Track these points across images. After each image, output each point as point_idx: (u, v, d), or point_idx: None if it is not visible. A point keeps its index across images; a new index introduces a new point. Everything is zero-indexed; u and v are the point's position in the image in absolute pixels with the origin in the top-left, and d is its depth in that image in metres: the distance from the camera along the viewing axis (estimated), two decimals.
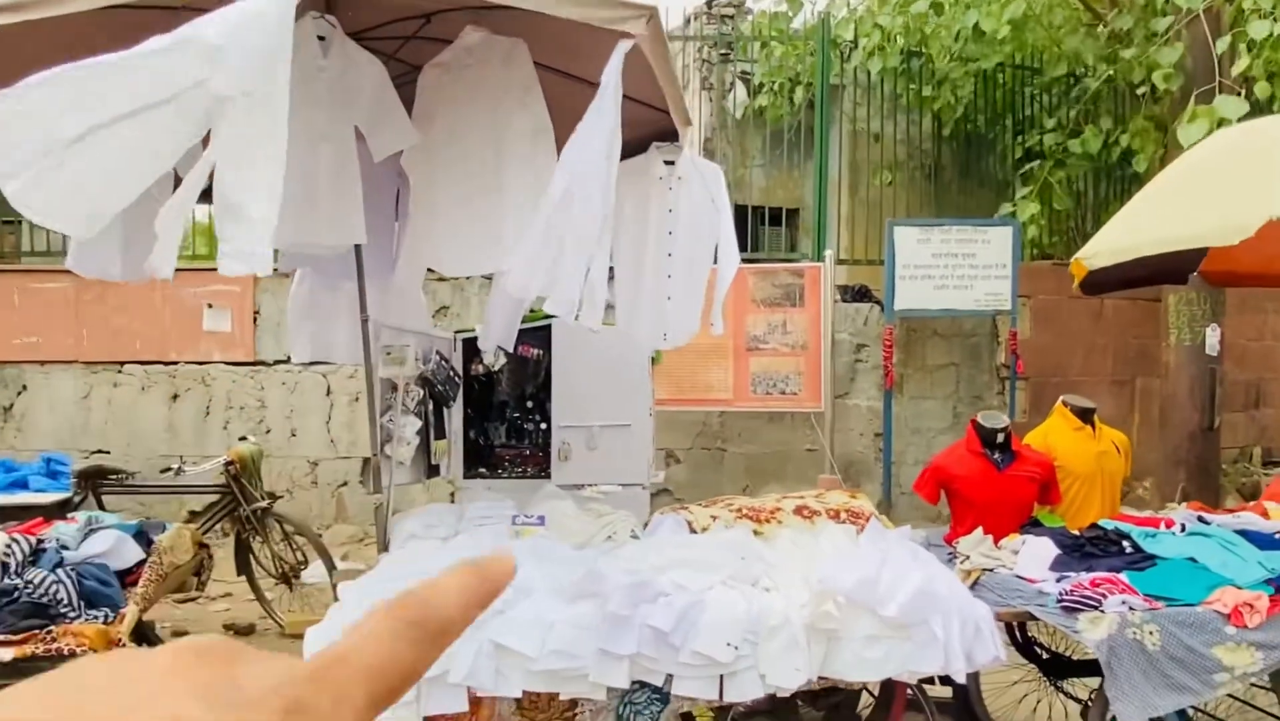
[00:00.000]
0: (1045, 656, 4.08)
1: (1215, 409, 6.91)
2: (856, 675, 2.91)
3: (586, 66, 3.48)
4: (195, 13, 3.23)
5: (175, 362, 7.25)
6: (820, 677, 2.92)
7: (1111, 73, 7.57)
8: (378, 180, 3.81)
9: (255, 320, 7.30)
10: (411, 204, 3.64)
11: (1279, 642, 3.01)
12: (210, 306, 7.16)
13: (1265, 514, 4.12)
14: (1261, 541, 3.54)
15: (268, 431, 7.14)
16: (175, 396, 7.29)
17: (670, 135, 3.92)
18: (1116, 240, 3.29)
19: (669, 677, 2.89)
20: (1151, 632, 3.01)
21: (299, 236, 3.13)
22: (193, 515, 5.83)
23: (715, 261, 3.99)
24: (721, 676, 2.89)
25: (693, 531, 3.65)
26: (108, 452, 7.02)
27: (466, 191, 3.45)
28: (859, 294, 7.40)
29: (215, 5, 2.35)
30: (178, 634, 5.28)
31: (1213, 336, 6.73)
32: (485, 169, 3.44)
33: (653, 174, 3.91)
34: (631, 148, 3.99)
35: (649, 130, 3.89)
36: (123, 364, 7.25)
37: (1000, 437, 3.99)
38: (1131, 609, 3.10)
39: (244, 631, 5.49)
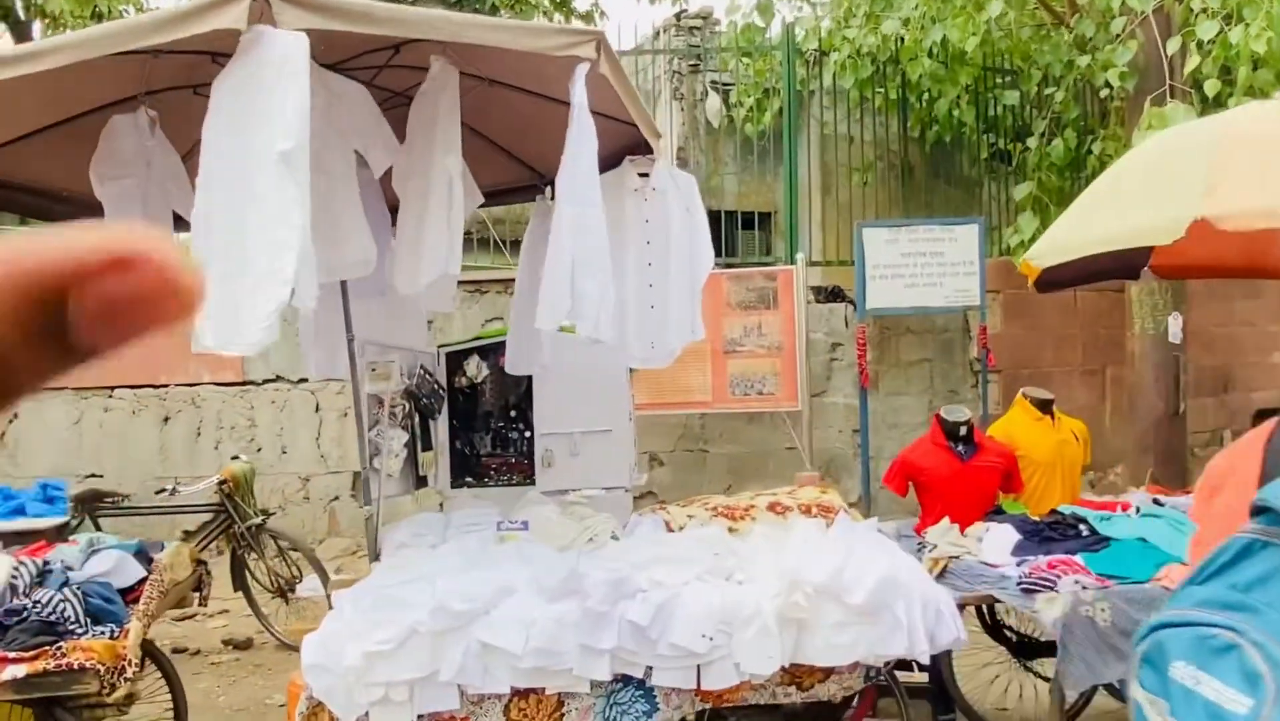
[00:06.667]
0: (1014, 638, 4.26)
1: (1180, 395, 7.10)
2: (827, 660, 3.06)
3: (541, 82, 3.68)
4: (188, 56, 3.39)
5: (165, 385, 7.37)
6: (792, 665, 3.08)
7: (1076, 78, 7.75)
8: (371, 202, 3.96)
9: None
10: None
11: None
12: None
13: None
14: None
15: (259, 450, 7.26)
16: (166, 419, 7.41)
17: (642, 148, 4.08)
18: (1060, 240, 3.47)
19: (649, 670, 3.05)
20: (1103, 609, 3.18)
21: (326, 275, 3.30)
22: (187, 535, 5.96)
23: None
24: (699, 666, 3.05)
25: (669, 530, 3.82)
26: (101, 476, 7.13)
27: (422, 209, 3.58)
28: (832, 294, 7.57)
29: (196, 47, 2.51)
30: (177, 650, 5.42)
31: (1174, 325, 6.92)
32: (434, 187, 3.58)
33: (627, 186, 4.05)
34: (606, 162, 4.17)
35: (622, 144, 4.05)
36: (113, 388, 7.37)
37: (963, 430, 4.16)
38: (1084, 587, 3.28)
39: (242, 645, 5.62)
